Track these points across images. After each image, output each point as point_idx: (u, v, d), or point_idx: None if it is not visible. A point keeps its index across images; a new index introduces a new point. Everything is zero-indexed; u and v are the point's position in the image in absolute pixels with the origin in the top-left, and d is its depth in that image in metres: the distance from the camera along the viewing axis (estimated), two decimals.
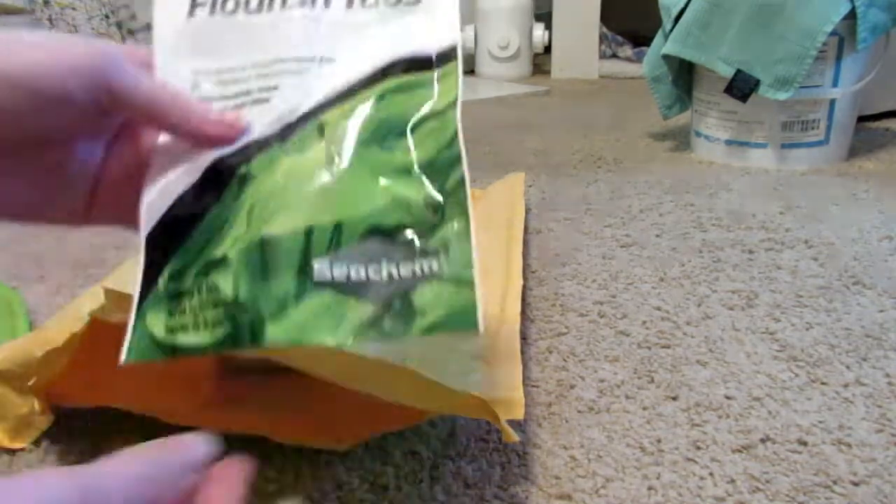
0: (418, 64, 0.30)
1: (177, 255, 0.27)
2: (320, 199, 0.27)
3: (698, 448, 0.39)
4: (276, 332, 0.24)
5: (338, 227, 0.26)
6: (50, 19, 1.68)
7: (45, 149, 0.28)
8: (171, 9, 0.30)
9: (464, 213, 0.26)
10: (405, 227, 0.26)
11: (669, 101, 1.06)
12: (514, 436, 0.34)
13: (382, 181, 0.27)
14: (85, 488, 0.19)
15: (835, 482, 0.36)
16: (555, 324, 0.54)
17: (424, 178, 0.27)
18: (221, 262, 0.26)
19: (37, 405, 0.40)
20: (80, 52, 0.25)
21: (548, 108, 1.42)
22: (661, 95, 1.06)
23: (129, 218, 0.29)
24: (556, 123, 1.26)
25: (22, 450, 0.40)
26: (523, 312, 0.53)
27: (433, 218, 0.26)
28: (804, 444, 0.39)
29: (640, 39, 1.84)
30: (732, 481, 0.36)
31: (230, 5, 0.30)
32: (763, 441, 0.39)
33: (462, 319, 0.24)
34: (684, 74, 1.02)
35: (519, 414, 0.36)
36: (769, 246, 0.67)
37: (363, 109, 0.29)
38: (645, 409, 0.43)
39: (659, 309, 0.56)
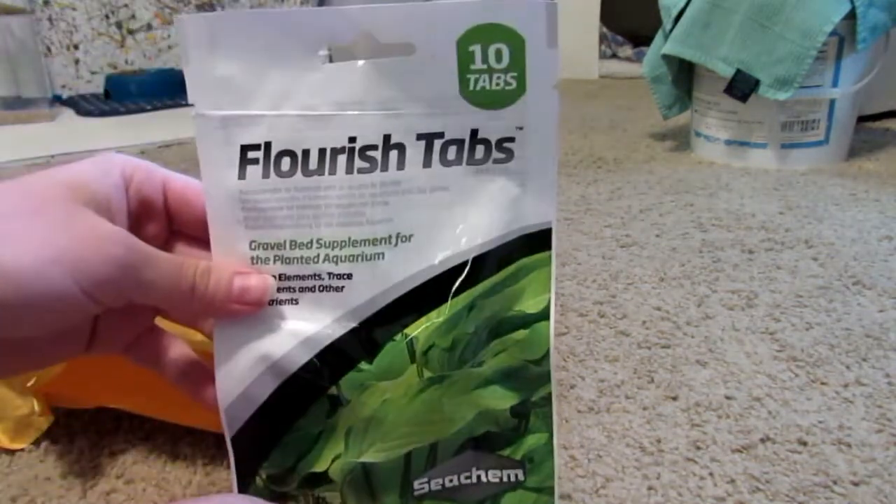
0: (508, 253, 0.27)
1: (270, 459, 0.27)
2: (415, 426, 0.27)
3: (698, 448, 0.39)
4: None
5: (433, 447, 0.27)
6: (50, 19, 1.68)
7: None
8: (219, 170, 0.26)
9: (548, 429, 0.28)
10: (492, 435, 0.28)
11: (669, 101, 1.06)
12: None
13: (471, 395, 0.28)
14: None
15: (835, 482, 0.36)
16: (555, 324, 0.54)
17: (511, 388, 0.28)
18: (324, 479, 0.27)
19: (36, 406, 0.40)
20: (89, 253, 0.21)
21: None
22: (661, 95, 1.06)
23: (132, 352, 0.29)
24: None
25: (22, 450, 0.40)
26: None
27: (519, 428, 0.28)
28: (804, 444, 0.39)
29: (640, 39, 1.84)
30: (732, 481, 0.36)
31: (286, 164, 0.26)
32: (763, 441, 0.39)
33: None
34: (684, 74, 1.02)
35: None
36: (769, 246, 0.67)
37: (453, 326, 0.27)
38: (645, 409, 0.43)
39: (659, 309, 0.56)
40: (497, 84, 0.26)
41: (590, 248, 0.68)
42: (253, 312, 0.26)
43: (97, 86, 1.75)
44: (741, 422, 0.41)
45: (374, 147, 0.26)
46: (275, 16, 0.25)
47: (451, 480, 0.28)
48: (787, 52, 0.86)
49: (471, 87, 0.26)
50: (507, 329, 0.27)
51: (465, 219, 0.26)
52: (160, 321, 0.30)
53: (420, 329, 0.26)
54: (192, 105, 0.25)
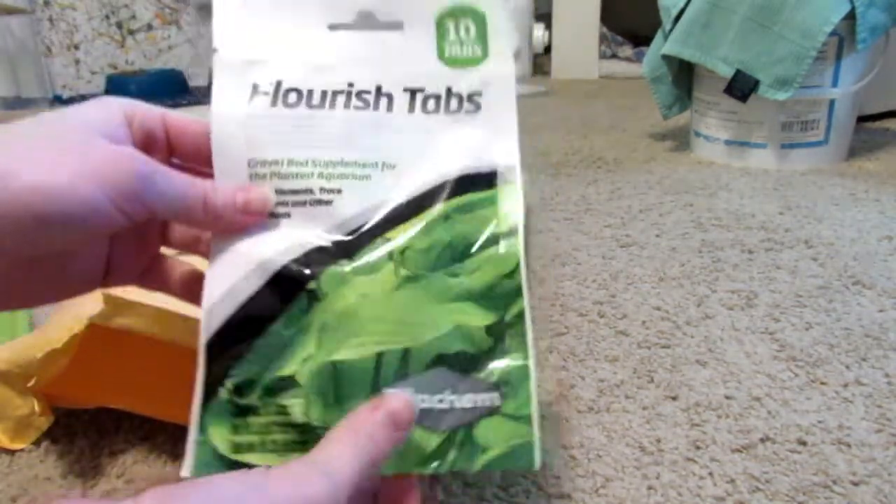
0: (480, 181, 0.30)
1: (240, 367, 0.27)
2: (389, 325, 0.28)
3: (698, 448, 0.39)
4: None
5: (406, 354, 0.28)
6: (50, 19, 1.69)
7: (64, 255, 0.27)
8: (229, 94, 0.29)
9: (524, 348, 0.28)
10: (467, 356, 0.28)
11: (669, 101, 1.06)
12: None
13: (446, 307, 0.28)
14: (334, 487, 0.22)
15: (834, 482, 0.36)
16: (555, 324, 0.54)
17: (486, 307, 0.29)
18: (291, 383, 0.27)
19: (37, 406, 0.40)
20: (111, 168, 0.24)
21: (548, 108, 1.42)
22: (661, 95, 1.06)
23: (143, 279, 0.31)
24: (556, 123, 1.26)
25: (22, 450, 0.40)
26: None
27: (494, 349, 0.28)
28: (804, 443, 0.39)
29: (640, 39, 1.84)
30: (732, 481, 0.36)
31: (292, 98, 0.30)
32: (763, 441, 0.39)
33: (521, 457, 0.27)
34: (684, 74, 1.02)
35: None
36: (769, 246, 0.67)
37: (429, 231, 0.29)
38: (645, 409, 0.43)
39: (659, 309, 0.56)
40: (465, 52, 0.31)
41: (590, 248, 0.68)
42: (255, 222, 0.28)
43: (97, 86, 1.75)
44: (741, 422, 0.41)
45: (368, 92, 0.30)
46: None
47: (423, 401, 0.27)
48: (787, 52, 0.86)
49: (446, 54, 0.31)
50: (480, 248, 0.29)
51: (443, 154, 0.30)
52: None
53: (399, 233, 0.29)
54: (215, 49, 0.30)
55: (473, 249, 0.29)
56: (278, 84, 0.30)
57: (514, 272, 0.29)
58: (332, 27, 0.31)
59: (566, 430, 0.41)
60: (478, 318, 0.28)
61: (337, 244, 0.29)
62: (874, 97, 1.10)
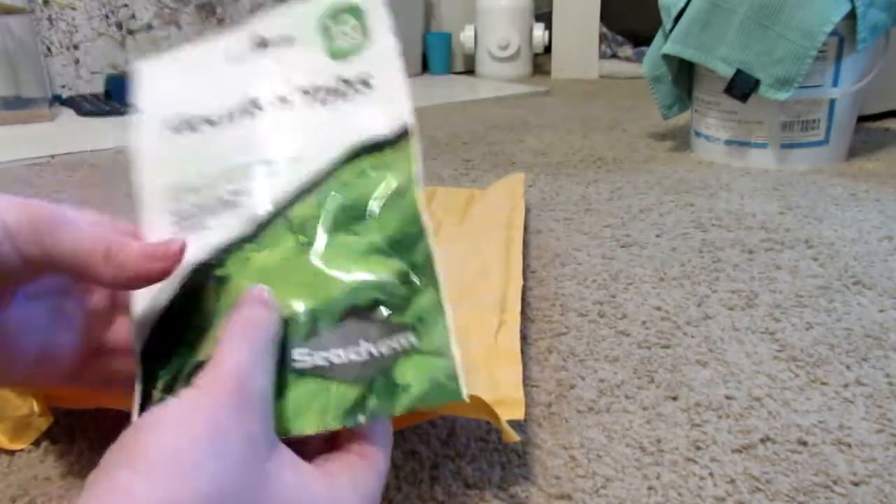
0: (374, 147, 0.32)
1: (169, 365, 0.28)
2: (293, 289, 0.28)
3: (698, 448, 0.39)
4: None
5: (314, 314, 0.28)
6: (50, 19, 1.68)
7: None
8: (148, 138, 0.33)
9: (435, 286, 0.28)
10: (379, 304, 0.28)
11: (669, 101, 1.06)
12: (514, 436, 0.34)
13: (352, 264, 0.29)
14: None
15: (835, 482, 0.36)
16: (555, 324, 0.54)
17: (392, 256, 0.29)
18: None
19: (36, 406, 0.40)
20: (8, 204, 0.25)
21: (548, 108, 1.42)
22: (661, 95, 1.06)
23: (122, 379, 0.30)
24: (556, 123, 1.26)
25: (22, 450, 0.40)
26: (523, 312, 0.53)
27: (405, 292, 0.28)
28: (804, 444, 0.39)
29: (640, 39, 1.84)
30: (732, 481, 0.36)
31: (198, 124, 0.33)
32: (763, 441, 0.39)
33: (445, 390, 0.26)
34: (684, 74, 1.02)
35: (519, 414, 0.36)
36: (769, 246, 0.67)
37: (326, 199, 0.31)
38: (645, 409, 0.43)
39: (659, 309, 0.56)
40: (349, 43, 0.34)
41: (590, 248, 0.68)
42: (165, 272, 0.28)
43: (97, 86, 1.75)
44: (741, 422, 0.41)
45: (270, 103, 0.33)
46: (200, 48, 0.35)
47: (338, 355, 0.27)
48: (787, 51, 0.86)
49: (333, 50, 0.34)
50: (381, 205, 0.30)
51: (342, 135, 0.33)
52: None
53: (298, 209, 0.30)
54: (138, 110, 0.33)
55: (372, 208, 0.30)
56: (190, 117, 0.33)
57: (416, 217, 0.30)
58: (230, 59, 0.34)
59: (566, 430, 0.41)
60: (385, 267, 0.29)
61: (247, 236, 0.30)
62: (874, 97, 1.10)
